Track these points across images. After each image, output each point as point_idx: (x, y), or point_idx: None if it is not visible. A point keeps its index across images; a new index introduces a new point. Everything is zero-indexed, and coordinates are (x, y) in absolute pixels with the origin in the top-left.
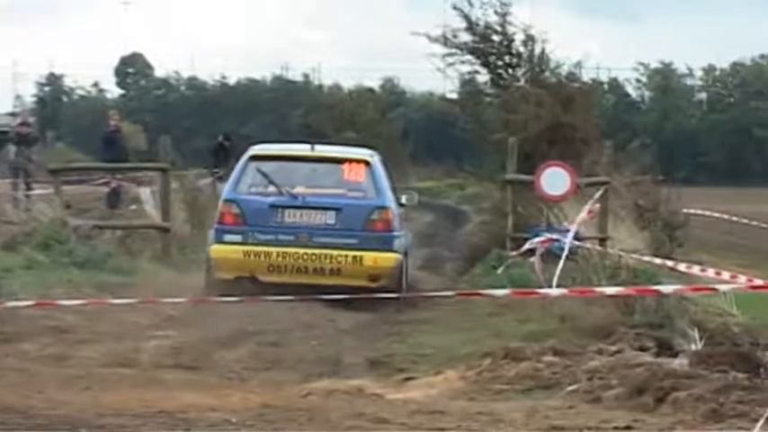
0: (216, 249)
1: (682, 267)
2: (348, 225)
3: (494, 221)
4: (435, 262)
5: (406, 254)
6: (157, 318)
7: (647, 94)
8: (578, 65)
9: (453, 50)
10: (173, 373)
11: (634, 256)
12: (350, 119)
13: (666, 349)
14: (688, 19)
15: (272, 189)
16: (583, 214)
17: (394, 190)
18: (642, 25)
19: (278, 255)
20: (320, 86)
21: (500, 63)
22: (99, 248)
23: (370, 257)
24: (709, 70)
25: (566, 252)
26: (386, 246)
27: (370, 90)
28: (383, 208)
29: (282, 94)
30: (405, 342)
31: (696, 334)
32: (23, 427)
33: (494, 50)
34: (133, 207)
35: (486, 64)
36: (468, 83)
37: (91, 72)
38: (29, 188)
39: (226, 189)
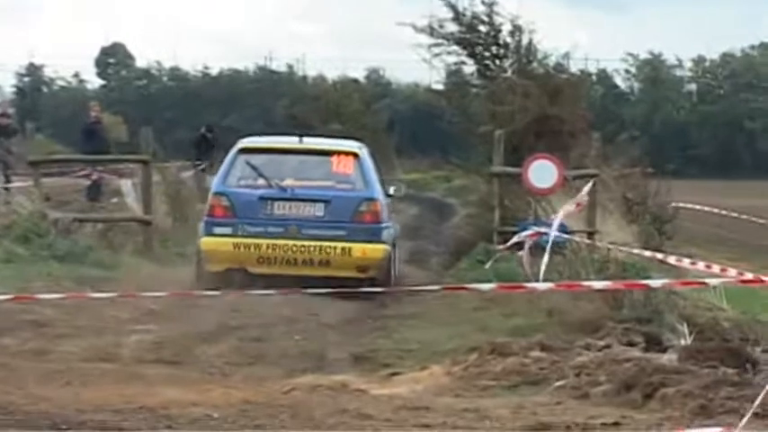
0: (206, 242)
1: (671, 260)
2: (337, 217)
3: (480, 215)
4: (421, 256)
5: (394, 245)
6: (138, 312)
7: (636, 85)
8: (566, 56)
9: (439, 41)
10: (154, 368)
11: (623, 249)
12: (335, 110)
13: (655, 344)
14: (677, 9)
15: (261, 181)
16: (567, 206)
17: (382, 182)
18: (631, 15)
19: (267, 247)
20: (304, 77)
21: (487, 54)
22: (79, 242)
23: (358, 249)
24: (699, 61)
25: (549, 244)
26: (374, 237)
27: (355, 81)
28: (371, 200)
29: (266, 85)
30: (390, 337)
31: (685, 329)
32: (2, 424)
33: (480, 41)
34: (114, 200)
35: (472, 55)
36: (454, 74)
37: (71, 62)
38: (8, 180)
39: (215, 182)
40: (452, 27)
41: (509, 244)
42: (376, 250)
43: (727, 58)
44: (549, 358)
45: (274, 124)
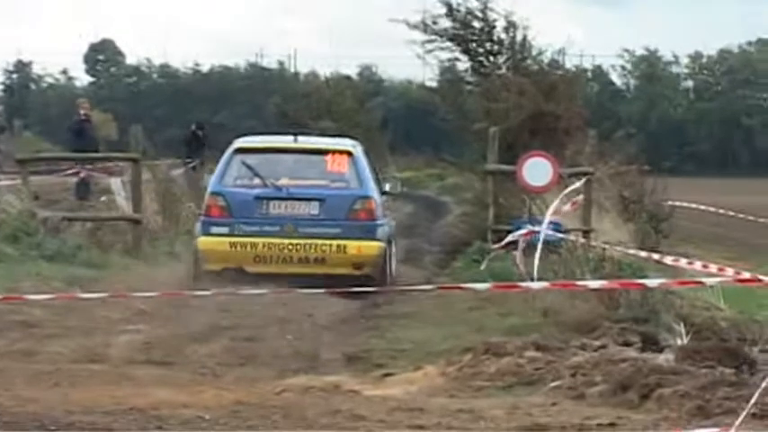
0: (203, 241)
1: (668, 260)
2: (332, 215)
3: (475, 213)
4: (415, 254)
5: (389, 242)
6: (128, 312)
7: (632, 81)
8: (561, 52)
9: (433, 37)
10: (144, 368)
11: (618, 248)
12: (327, 108)
13: (652, 344)
14: (673, 4)
15: (256, 181)
16: (556, 203)
17: (378, 179)
18: (627, 11)
19: (264, 245)
20: (296, 74)
21: (481, 50)
22: (68, 241)
23: (353, 246)
24: (696, 57)
25: (540, 242)
26: (369, 234)
27: (348, 78)
28: (366, 197)
29: (257, 82)
30: (383, 337)
31: (682, 328)
32: None
33: (474, 37)
34: (103, 198)
35: (466, 51)
36: (448, 70)
37: (60, 59)
38: None
39: (212, 181)
40: (446, 23)
41: (503, 243)
42: (371, 247)
43: (724, 54)
44: (544, 358)
45: (266, 121)
